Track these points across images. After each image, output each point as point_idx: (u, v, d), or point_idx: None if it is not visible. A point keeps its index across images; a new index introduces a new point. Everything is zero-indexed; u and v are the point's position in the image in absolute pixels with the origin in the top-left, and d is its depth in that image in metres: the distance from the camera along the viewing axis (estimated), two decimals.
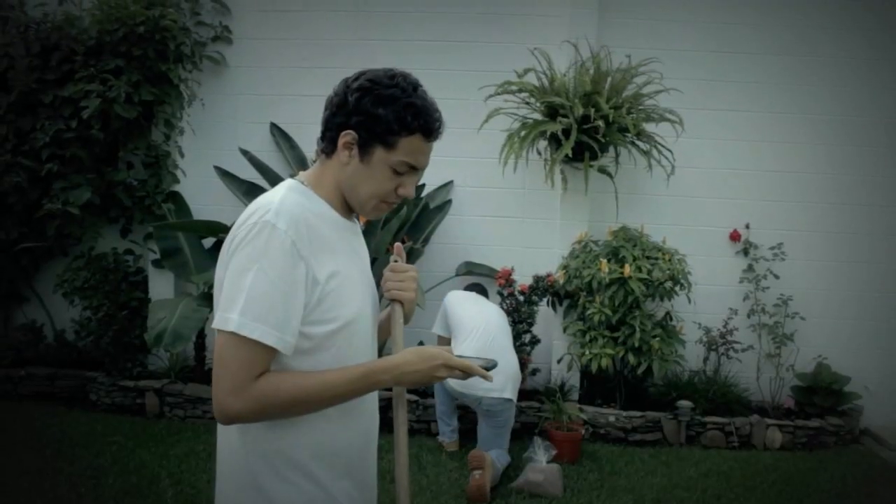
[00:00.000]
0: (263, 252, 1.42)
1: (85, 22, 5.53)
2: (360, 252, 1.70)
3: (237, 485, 1.51)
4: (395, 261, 1.76)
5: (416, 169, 1.59)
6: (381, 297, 1.76)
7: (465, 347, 4.46)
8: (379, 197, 1.59)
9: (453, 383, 4.47)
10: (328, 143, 1.59)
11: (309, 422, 1.52)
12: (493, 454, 4.31)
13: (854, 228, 5.73)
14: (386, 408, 2.85)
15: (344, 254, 1.59)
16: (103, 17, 5.36)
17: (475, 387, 4.35)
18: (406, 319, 1.75)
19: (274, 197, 1.52)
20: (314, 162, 1.67)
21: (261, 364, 1.43)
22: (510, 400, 4.48)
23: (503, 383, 4.40)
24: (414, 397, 5.17)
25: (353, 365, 1.51)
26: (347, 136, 1.54)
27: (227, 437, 1.56)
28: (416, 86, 1.57)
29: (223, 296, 1.44)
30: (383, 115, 1.51)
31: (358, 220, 1.74)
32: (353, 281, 1.59)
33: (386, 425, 1.78)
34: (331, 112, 1.58)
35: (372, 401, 1.70)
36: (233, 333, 1.40)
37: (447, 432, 4.87)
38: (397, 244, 1.83)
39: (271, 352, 1.43)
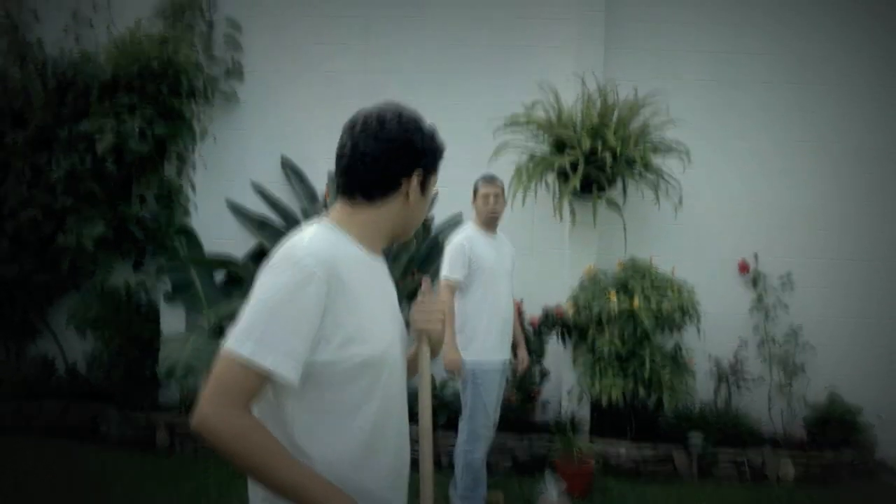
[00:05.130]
0: (287, 284, 1.46)
1: (100, 58, 5.63)
2: (388, 289, 1.74)
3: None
4: (424, 295, 1.80)
5: None
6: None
7: None
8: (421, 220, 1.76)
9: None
10: (385, 189, 1.62)
11: (331, 465, 1.50)
12: None
13: (862, 256, 5.72)
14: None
15: (372, 292, 1.62)
16: (118, 53, 5.46)
17: None
18: (433, 353, 1.78)
19: (304, 235, 1.57)
20: (327, 197, 1.70)
21: (257, 390, 1.44)
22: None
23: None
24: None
25: (322, 479, 1.45)
26: (419, 174, 1.65)
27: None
28: None
29: (240, 319, 1.46)
30: (438, 146, 1.70)
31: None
32: (381, 317, 1.62)
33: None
34: (388, 159, 1.60)
35: (399, 438, 1.67)
36: (244, 357, 1.41)
37: None
38: (425, 279, 1.86)
39: (271, 378, 1.43)
